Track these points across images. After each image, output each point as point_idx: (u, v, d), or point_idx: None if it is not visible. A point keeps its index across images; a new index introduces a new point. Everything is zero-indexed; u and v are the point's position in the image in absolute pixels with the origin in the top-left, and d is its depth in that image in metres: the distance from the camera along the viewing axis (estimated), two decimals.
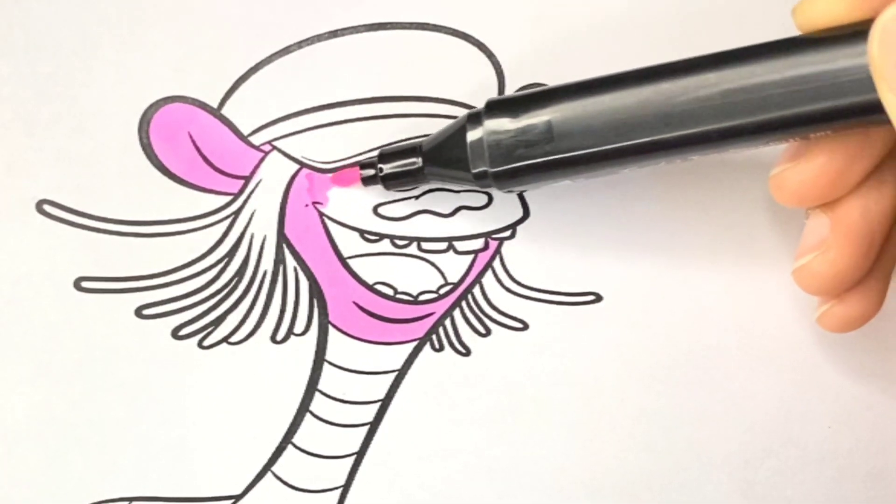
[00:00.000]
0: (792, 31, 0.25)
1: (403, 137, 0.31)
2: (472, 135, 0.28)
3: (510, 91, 0.32)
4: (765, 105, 0.24)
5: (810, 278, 0.27)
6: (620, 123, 0.26)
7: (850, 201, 0.26)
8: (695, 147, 0.26)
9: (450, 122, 0.29)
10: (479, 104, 0.32)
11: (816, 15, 0.24)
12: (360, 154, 0.31)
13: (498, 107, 0.27)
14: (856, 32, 0.23)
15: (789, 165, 0.26)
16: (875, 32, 0.22)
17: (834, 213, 0.27)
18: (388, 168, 0.30)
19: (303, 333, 0.31)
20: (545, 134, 0.26)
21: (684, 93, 0.25)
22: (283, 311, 0.31)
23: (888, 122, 0.23)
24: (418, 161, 0.29)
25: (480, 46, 0.32)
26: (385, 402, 0.31)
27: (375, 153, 0.30)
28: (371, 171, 0.30)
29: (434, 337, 0.31)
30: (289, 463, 0.30)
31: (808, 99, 0.24)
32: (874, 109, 0.23)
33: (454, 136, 0.28)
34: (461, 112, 0.32)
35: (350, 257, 0.31)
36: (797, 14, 0.25)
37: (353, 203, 0.31)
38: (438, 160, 0.29)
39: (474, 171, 0.28)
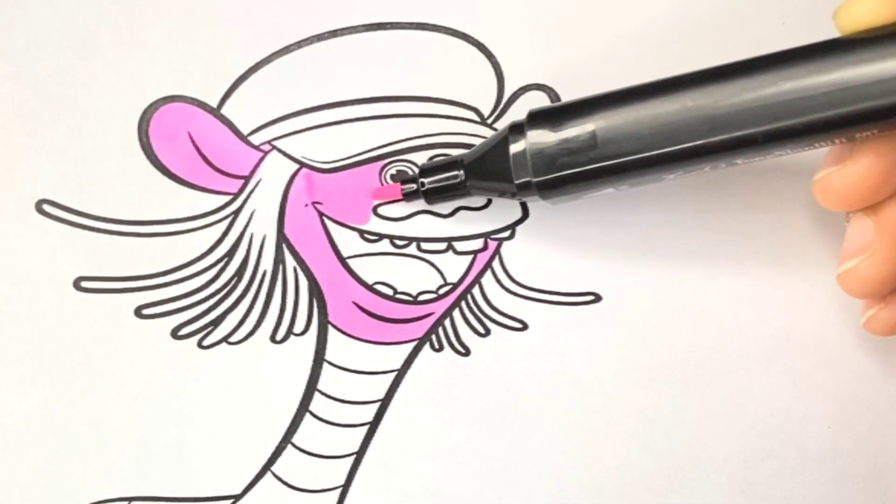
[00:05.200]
0: (828, 35, 0.25)
1: (403, 137, 0.31)
2: (515, 146, 0.28)
3: (509, 92, 0.32)
4: (811, 107, 0.24)
5: (857, 282, 0.27)
6: (665, 129, 0.25)
7: (894, 203, 0.26)
8: (740, 151, 0.25)
9: (490, 134, 0.29)
10: (479, 104, 0.32)
11: (859, 16, 0.24)
12: (360, 154, 0.31)
13: (540, 117, 0.27)
14: None
15: (835, 168, 0.26)
16: None
17: (878, 216, 0.27)
18: (429, 182, 0.30)
19: (302, 333, 0.31)
20: (588, 142, 0.26)
21: (729, 97, 0.25)
22: (282, 310, 0.31)
23: None
24: (460, 174, 0.29)
25: (480, 46, 0.32)
26: (385, 402, 0.31)
27: (416, 169, 0.30)
28: (413, 186, 0.30)
29: (433, 337, 0.31)
30: (288, 463, 0.30)
31: (855, 99, 0.24)
32: None
33: (496, 148, 0.28)
34: (461, 112, 0.32)
35: (350, 257, 0.31)
36: (839, 16, 0.24)
37: (353, 203, 0.31)
38: (480, 173, 0.29)
39: (517, 181, 0.28)
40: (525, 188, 0.28)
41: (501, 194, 0.29)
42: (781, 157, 0.26)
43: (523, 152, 0.27)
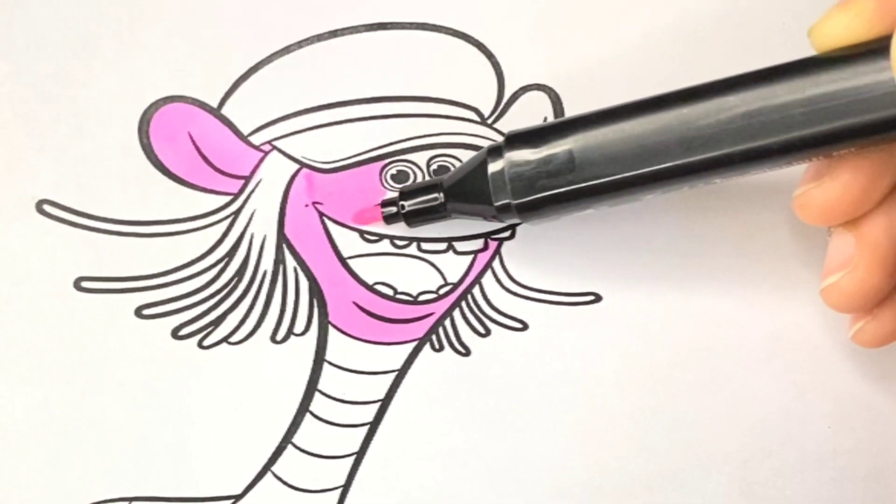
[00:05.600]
0: (808, 54, 0.25)
1: (403, 137, 0.31)
2: (494, 167, 0.28)
3: (509, 92, 0.32)
4: (787, 125, 0.24)
5: (840, 297, 0.27)
6: (642, 150, 0.26)
7: (873, 218, 0.26)
8: (718, 170, 0.25)
9: (469, 156, 0.29)
10: (479, 104, 0.32)
11: (833, 35, 0.24)
12: (360, 154, 0.31)
13: (518, 139, 0.27)
14: (874, 49, 0.23)
15: (813, 185, 0.26)
16: None
17: (858, 231, 0.27)
18: (409, 205, 0.30)
19: (303, 333, 0.31)
20: (567, 163, 0.26)
21: (705, 116, 0.25)
22: (283, 311, 0.31)
23: None
24: (440, 197, 0.29)
25: (480, 46, 0.32)
26: (385, 402, 0.31)
27: (396, 192, 0.30)
28: (393, 209, 0.30)
29: (434, 337, 0.31)
30: (289, 463, 0.30)
31: (831, 117, 0.24)
32: None
33: (475, 171, 0.28)
34: (461, 112, 0.32)
35: (350, 257, 0.31)
36: (814, 35, 0.24)
37: (353, 203, 0.31)
38: (460, 195, 0.29)
39: (497, 203, 0.28)
40: (505, 210, 0.28)
41: (481, 216, 0.29)
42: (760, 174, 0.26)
43: (502, 175, 0.27)
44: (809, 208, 0.27)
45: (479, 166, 0.28)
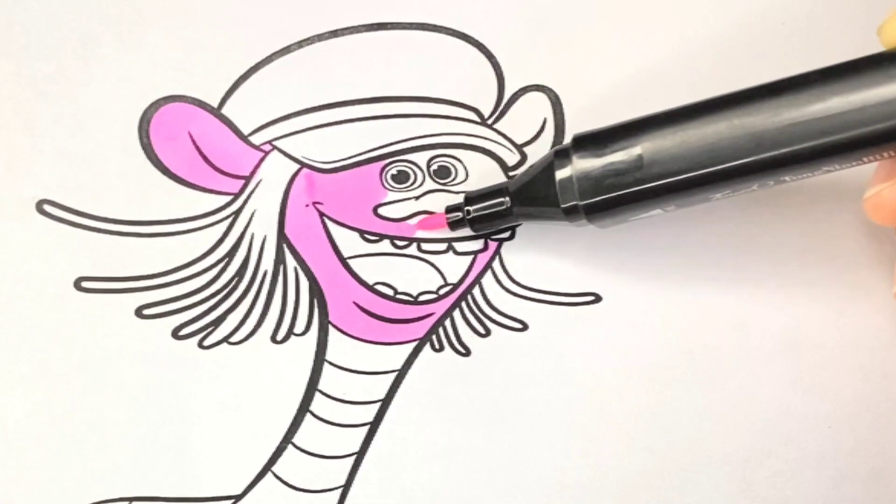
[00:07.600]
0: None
1: (403, 137, 0.31)
2: (561, 169, 0.28)
3: (509, 93, 0.32)
4: (858, 121, 0.24)
5: None
6: (711, 148, 0.26)
7: None
8: (788, 168, 0.25)
9: (536, 160, 0.29)
10: (479, 104, 0.32)
11: None
12: (360, 154, 0.31)
13: (585, 141, 0.27)
14: None
15: (887, 185, 0.26)
16: None
17: None
18: (475, 211, 0.30)
19: (303, 333, 0.31)
20: (635, 163, 0.26)
21: (775, 114, 0.25)
22: (283, 311, 0.31)
23: None
24: (506, 201, 0.29)
25: (480, 47, 0.32)
26: (385, 402, 0.31)
27: (461, 197, 0.30)
28: (458, 215, 0.30)
29: (434, 337, 0.31)
30: (289, 463, 0.30)
31: None
32: None
33: (542, 174, 0.28)
34: (461, 112, 0.32)
35: (350, 257, 0.31)
36: (884, 31, 0.24)
37: (353, 203, 0.31)
38: (527, 198, 0.29)
39: (564, 205, 0.28)
40: (572, 212, 0.28)
41: (548, 219, 0.29)
42: (830, 172, 0.26)
43: (569, 176, 0.27)
44: (883, 208, 0.26)
45: (545, 169, 0.28)
